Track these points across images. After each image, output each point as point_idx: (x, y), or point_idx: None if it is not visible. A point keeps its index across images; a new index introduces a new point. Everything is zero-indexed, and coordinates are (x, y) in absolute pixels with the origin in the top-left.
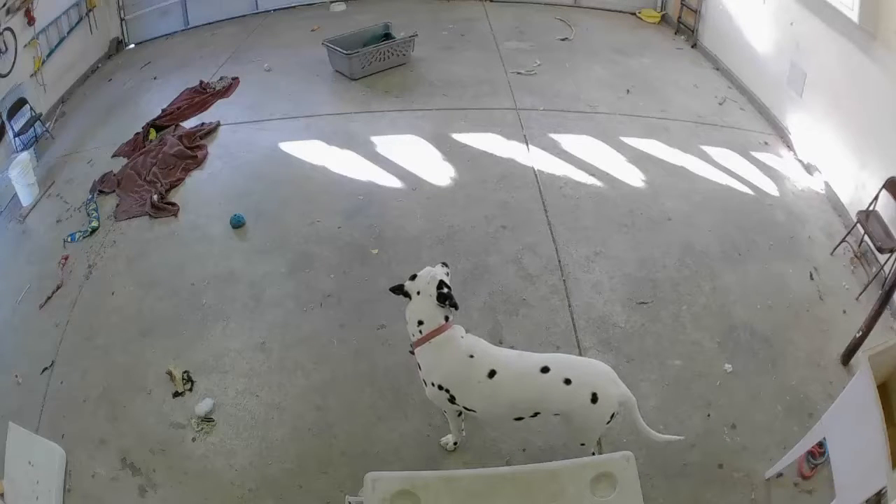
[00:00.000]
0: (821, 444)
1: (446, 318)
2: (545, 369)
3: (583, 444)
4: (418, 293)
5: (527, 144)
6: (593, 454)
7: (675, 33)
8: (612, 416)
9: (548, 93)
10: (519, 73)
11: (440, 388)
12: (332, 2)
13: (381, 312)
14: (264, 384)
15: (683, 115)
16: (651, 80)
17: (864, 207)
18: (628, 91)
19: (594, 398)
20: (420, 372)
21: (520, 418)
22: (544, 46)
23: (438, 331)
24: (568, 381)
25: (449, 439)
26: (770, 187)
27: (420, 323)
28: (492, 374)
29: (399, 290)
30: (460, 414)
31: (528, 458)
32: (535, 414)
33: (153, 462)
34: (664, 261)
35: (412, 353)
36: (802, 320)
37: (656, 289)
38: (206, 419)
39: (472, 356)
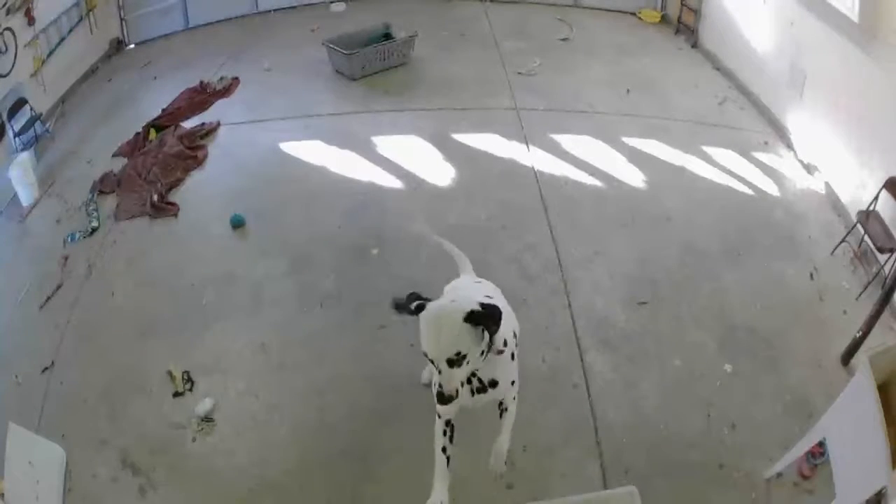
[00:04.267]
0: (821, 444)
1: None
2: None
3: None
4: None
5: (527, 144)
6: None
7: (675, 33)
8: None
9: (548, 93)
10: (519, 73)
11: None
12: (332, 2)
13: (382, 312)
14: (264, 384)
15: (683, 115)
16: (651, 80)
17: (864, 207)
18: (628, 91)
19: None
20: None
21: None
22: (544, 46)
23: None
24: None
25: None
26: (770, 187)
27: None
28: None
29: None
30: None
31: (528, 456)
32: None
33: (153, 462)
34: (664, 261)
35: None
36: (802, 320)
37: (656, 289)
38: (206, 419)
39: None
